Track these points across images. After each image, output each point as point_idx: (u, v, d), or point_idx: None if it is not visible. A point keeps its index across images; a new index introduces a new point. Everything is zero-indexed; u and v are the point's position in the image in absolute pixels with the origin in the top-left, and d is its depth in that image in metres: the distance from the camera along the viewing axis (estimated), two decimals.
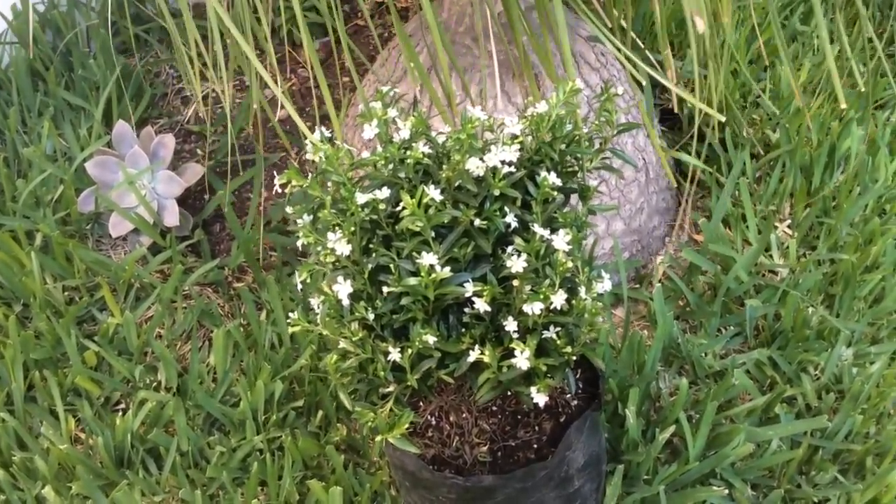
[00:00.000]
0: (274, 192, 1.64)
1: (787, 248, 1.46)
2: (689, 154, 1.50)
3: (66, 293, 1.48)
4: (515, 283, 0.85)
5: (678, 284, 1.43)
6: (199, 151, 1.73)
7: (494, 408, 1.04)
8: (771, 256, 1.47)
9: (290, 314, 0.89)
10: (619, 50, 1.07)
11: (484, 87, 1.31)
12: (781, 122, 1.60)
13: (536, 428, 1.03)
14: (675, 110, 1.57)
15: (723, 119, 1.01)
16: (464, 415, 1.02)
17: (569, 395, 1.05)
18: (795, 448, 1.22)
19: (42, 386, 1.34)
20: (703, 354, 1.33)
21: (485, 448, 1.01)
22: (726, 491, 1.15)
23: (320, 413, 1.28)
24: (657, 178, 1.52)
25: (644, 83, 1.17)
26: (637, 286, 1.48)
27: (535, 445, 1.02)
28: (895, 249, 1.44)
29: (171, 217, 1.53)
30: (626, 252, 1.48)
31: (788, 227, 1.52)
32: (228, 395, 1.34)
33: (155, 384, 1.36)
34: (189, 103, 1.84)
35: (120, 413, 1.33)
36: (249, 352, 1.37)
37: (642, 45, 1.60)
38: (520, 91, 1.37)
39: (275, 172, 1.66)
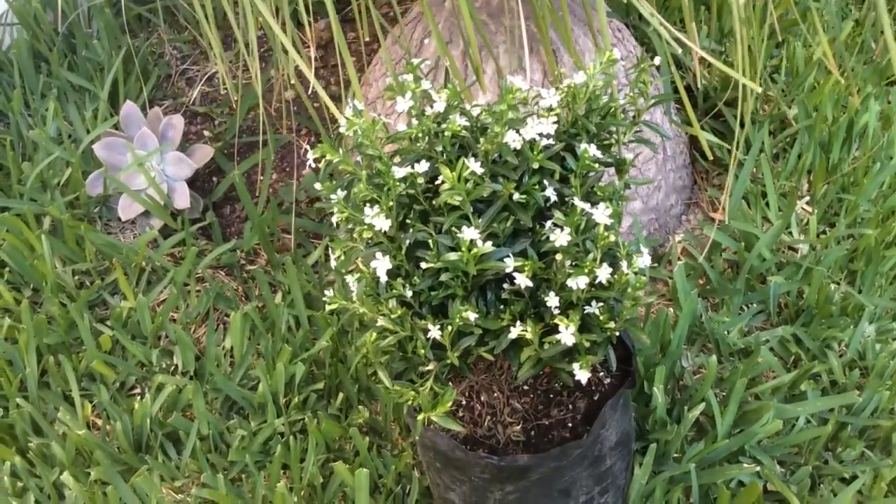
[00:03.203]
0: (285, 173, 1.61)
1: (807, 224, 1.45)
2: (706, 130, 1.48)
3: (76, 277, 1.45)
4: (557, 257, 0.83)
5: (699, 262, 1.41)
6: (205, 133, 1.71)
7: (526, 387, 1.02)
8: (791, 233, 1.45)
9: (327, 292, 0.87)
10: (640, 21, 1.05)
11: (513, 61, 1.29)
12: (798, 97, 1.59)
13: (570, 406, 1.02)
14: (699, 84, 1.55)
15: (760, 90, 0.99)
16: (495, 394, 1.01)
17: (602, 373, 1.04)
18: (822, 425, 1.21)
19: (56, 371, 1.31)
20: (727, 332, 1.32)
21: (518, 427, 1.00)
22: (757, 468, 1.14)
23: (341, 395, 1.26)
24: (674, 155, 1.50)
25: (672, 55, 1.15)
26: (655, 265, 1.47)
27: (570, 424, 1.00)
28: None
29: (182, 199, 1.51)
30: (644, 231, 1.46)
31: (807, 203, 1.51)
32: (247, 379, 1.32)
33: (172, 368, 1.34)
34: (194, 84, 1.81)
35: (137, 397, 1.31)
36: (267, 334, 1.34)
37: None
38: (538, 67, 1.35)
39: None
